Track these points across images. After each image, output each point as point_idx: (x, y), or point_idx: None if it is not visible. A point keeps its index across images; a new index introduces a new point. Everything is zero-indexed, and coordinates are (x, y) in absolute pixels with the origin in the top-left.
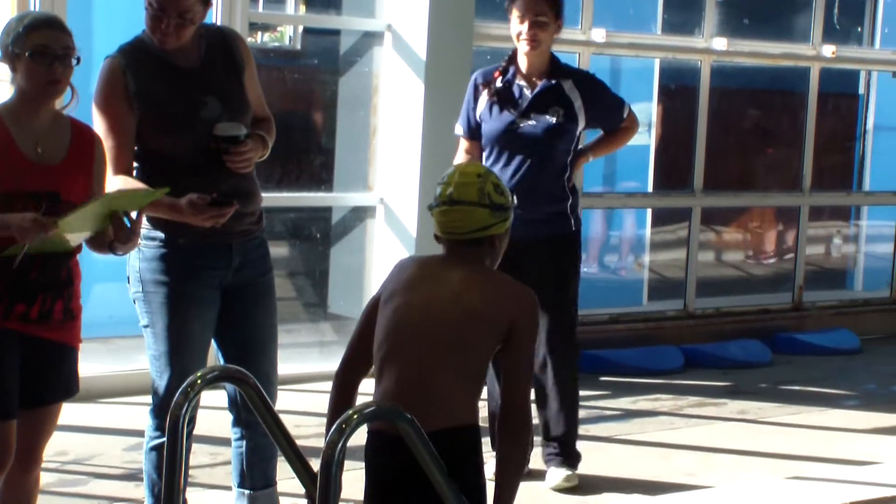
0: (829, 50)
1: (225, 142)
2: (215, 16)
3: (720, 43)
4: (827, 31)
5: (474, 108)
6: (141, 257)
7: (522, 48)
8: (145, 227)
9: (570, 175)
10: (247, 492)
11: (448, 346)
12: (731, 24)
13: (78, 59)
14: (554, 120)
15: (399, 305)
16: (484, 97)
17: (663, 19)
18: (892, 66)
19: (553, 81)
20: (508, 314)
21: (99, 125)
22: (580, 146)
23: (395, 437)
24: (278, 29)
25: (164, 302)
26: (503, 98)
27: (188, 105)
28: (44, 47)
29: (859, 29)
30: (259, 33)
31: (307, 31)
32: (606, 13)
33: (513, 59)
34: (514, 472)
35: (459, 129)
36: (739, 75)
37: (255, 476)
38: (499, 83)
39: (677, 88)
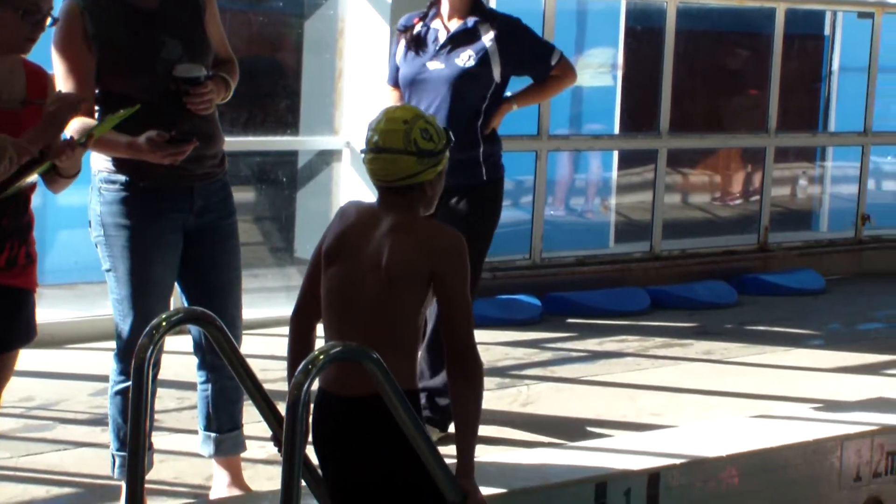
0: None
1: (185, 83)
2: None
3: None
4: None
5: (395, 54)
6: (102, 201)
7: None
8: (106, 170)
9: (484, 122)
10: (213, 434)
11: (375, 319)
12: None
13: (55, 20)
14: (463, 64)
15: (333, 274)
16: (402, 42)
17: None
18: (858, 7)
19: (469, 24)
20: (429, 264)
21: (58, 68)
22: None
23: (340, 396)
24: None
25: (125, 245)
26: (420, 42)
27: (147, 46)
28: (35, 6)
29: None
30: None
31: None
32: None
33: (435, 2)
34: (473, 413)
35: (388, 76)
36: (705, 17)
37: (222, 419)
38: (418, 28)
39: (643, 30)
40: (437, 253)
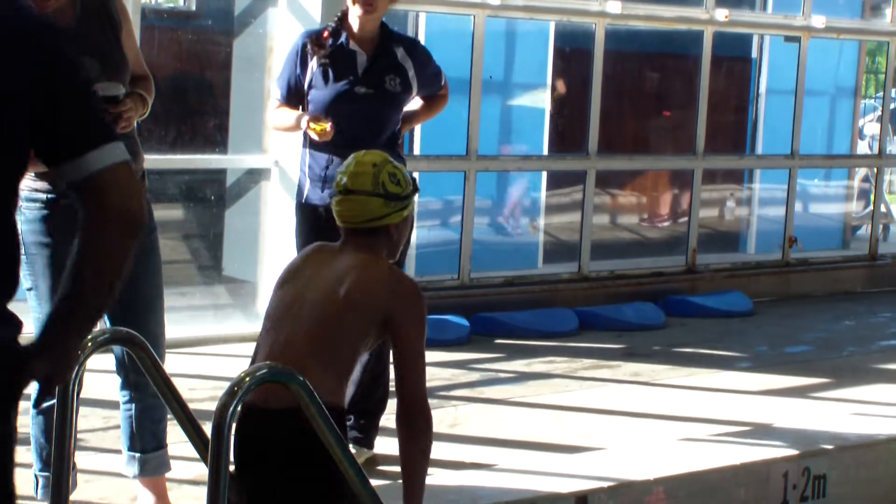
0: (722, 14)
1: (104, 101)
2: None
3: (614, 6)
4: None
5: (302, 72)
6: (23, 219)
7: (356, 11)
8: (27, 188)
9: (400, 142)
10: (137, 454)
11: (315, 332)
12: None
13: None
14: (391, 88)
15: (281, 290)
16: (315, 61)
17: None
18: (784, 31)
19: (387, 47)
20: (384, 305)
21: None
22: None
23: (264, 409)
24: None
25: (47, 263)
26: (338, 63)
27: None
28: None
29: None
30: None
31: None
32: None
33: (343, 20)
34: (420, 464)
35: (277, 92)
36: (634, 39)
37: (146, 438)
38: (329, 46)
39: (572, 51)
40: (399, 298)
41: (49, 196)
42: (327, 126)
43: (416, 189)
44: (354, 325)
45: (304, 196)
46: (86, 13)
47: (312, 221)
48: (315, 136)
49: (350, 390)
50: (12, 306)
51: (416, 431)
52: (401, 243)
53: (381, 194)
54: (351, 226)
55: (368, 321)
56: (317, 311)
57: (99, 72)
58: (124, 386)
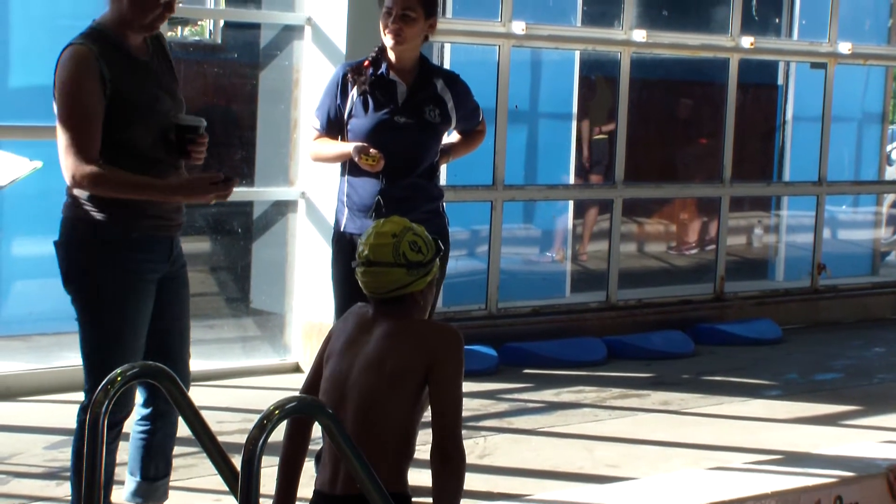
0: (747, 41)
1: (189, 132)
2: None
3: (639, 35)
4: (745, 23)
5: (341, 102)
6: (90, 254)
7: (387, 42)
8: (95, 222)
9: (439, 173)
10: (148, 481)
11: (369, 420)
12: (651, 15)
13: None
14: (431, 118)
15: (331, 373)
16: (355, 90)
17: (583, 11)
18: (810, 57)
19: (427, 78)
20: (425, 358)
21: (69, 111)
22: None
23: (336, 496)
24: (199, 23)
25: (116, 298)
26: (378, 92)
27: (149, 97)
28: None
29: (777, 20)
30: (179, 27)
31: (227, 24)
32: (526, 5)
33: (382, 50)
34: (455, 500)
35: (317, 122)
36: (659, 67)
37: (160, 465)
38: (370, 75)
39: (597, 80)
40: (435, 344)
41: (121, 231)
42: (378, 157)
43: (439, 251)
44: (404, 401)
45: (343, 226)
46: (153, 49)
47: (349, 252)
48: (367, 167)
49: None
50: (53, 339)
51: (451, 468)
52: (427, 306)
53: (403, 264)
54: (377, 296)
55: (415, 382)
56: (361, 393)
57: (170, 105)
58: (151, 416)
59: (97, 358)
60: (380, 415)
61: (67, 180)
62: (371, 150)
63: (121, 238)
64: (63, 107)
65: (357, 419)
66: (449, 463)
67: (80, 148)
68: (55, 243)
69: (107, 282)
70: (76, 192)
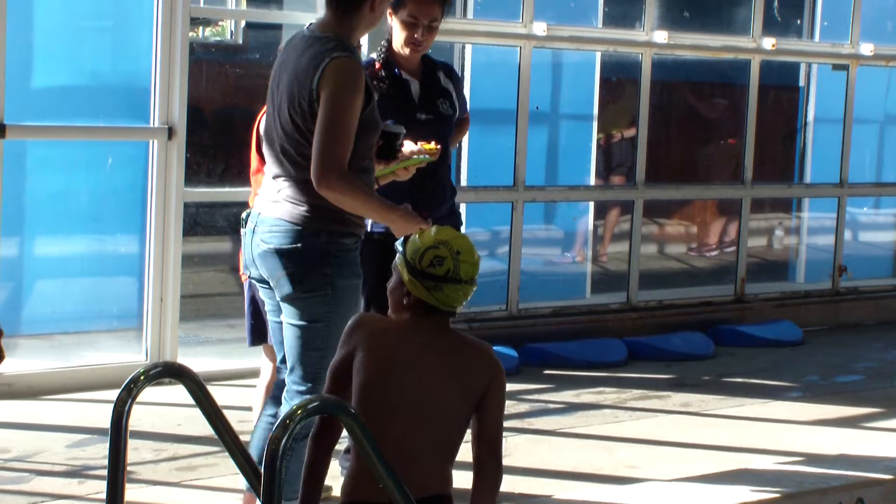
0: (769, 42)
1: (395, 139)
2: (155, 10)
3: (661, 36)
4: (767, 24)
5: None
6: (335, 259)
7: (408, 49)
8: (337, 230)
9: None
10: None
11: (446, 429)
12: (672, 16)
13: None
14: (445, 112)
15: (396, 386)
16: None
17: (604, 12)
18: (832, 59)
19: (433, 71)
20: (482, 383)
21: (342, 119)
22: None
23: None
24: (220, 23)
25: (353, 297)
26: (395, 92)
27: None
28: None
29: (799, 21)
30: (200, 28)
31: (249, 25)
32: (547, 6)
33: (389, 49)
34: (491, 501)
35: None
36: (680, 68)
37: None
38: (382, 74)
39: (619, 81)
40: (491, 370)
41: (356, 235)
42: (433, 145)
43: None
44: (462, 417)
45: (369, 226)
46: None
47: (377, 252)
48: (430, 158)
49: None
50: (75, 338)
51: (491, 472)
52: None
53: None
54: (454, 309)
55: (472, 403)
56: (441, 404)
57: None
58: (276, 401)
59: (317, 355)
60: (441, 429)
61: (320, 183)
62: (425, 145)
63: (352, 246)
64: (338, 113)
65: (438, 429)
66: (490, 464)
67: (342, 155)
68: (282, 251)
69: (344, 287)
70: (315, 200)
